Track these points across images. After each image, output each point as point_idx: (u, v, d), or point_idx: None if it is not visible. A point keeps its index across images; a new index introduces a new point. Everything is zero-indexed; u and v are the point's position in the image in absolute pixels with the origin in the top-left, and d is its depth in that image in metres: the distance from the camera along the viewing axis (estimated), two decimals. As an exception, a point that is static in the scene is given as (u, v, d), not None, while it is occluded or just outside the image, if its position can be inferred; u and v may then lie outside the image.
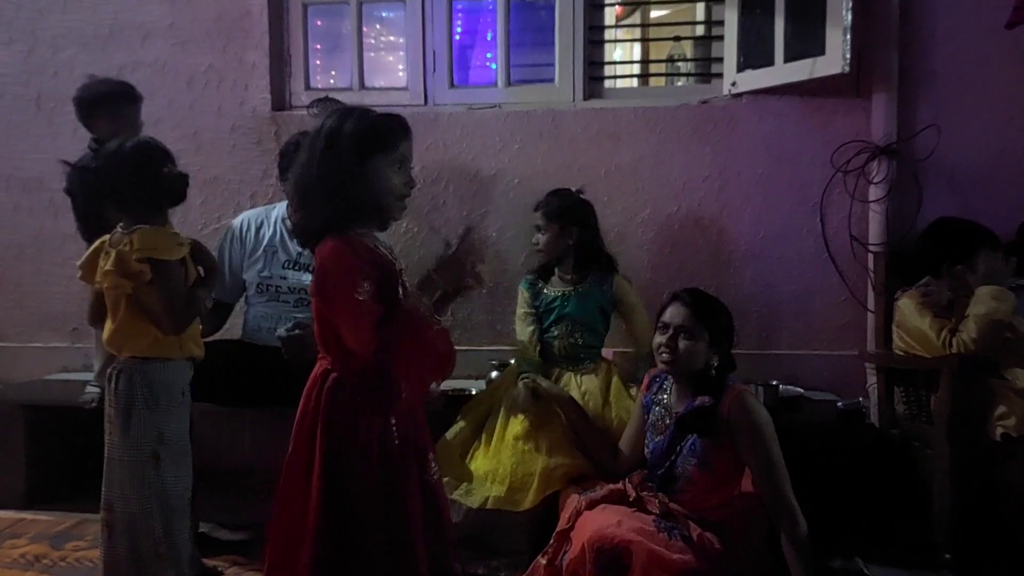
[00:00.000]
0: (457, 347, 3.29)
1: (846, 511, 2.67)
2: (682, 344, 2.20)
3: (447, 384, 3.12)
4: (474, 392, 3.00)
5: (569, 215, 2.83)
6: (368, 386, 1.70)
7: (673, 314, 2.24)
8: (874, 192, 3.10)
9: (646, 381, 2.42)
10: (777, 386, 2.94)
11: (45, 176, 3.51)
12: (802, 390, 3.07)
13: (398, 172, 1.74)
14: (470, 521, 2.51)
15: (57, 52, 3.51)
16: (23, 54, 3.52)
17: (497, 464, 2.54)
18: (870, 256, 3.11)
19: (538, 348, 2.84)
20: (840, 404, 2.89)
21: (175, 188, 2.19)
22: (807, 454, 2.54)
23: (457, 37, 3.49)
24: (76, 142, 3.48)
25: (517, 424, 2.58)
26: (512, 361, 2.91)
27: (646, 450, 2.35)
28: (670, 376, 2.32)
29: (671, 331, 2.22)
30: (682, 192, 3.26)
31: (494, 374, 3.03)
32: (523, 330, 2.88)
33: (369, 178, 1.70)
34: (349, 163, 1.67)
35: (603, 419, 2.66)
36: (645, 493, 2.25)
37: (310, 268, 2.79)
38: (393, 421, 1.72)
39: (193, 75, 3.45)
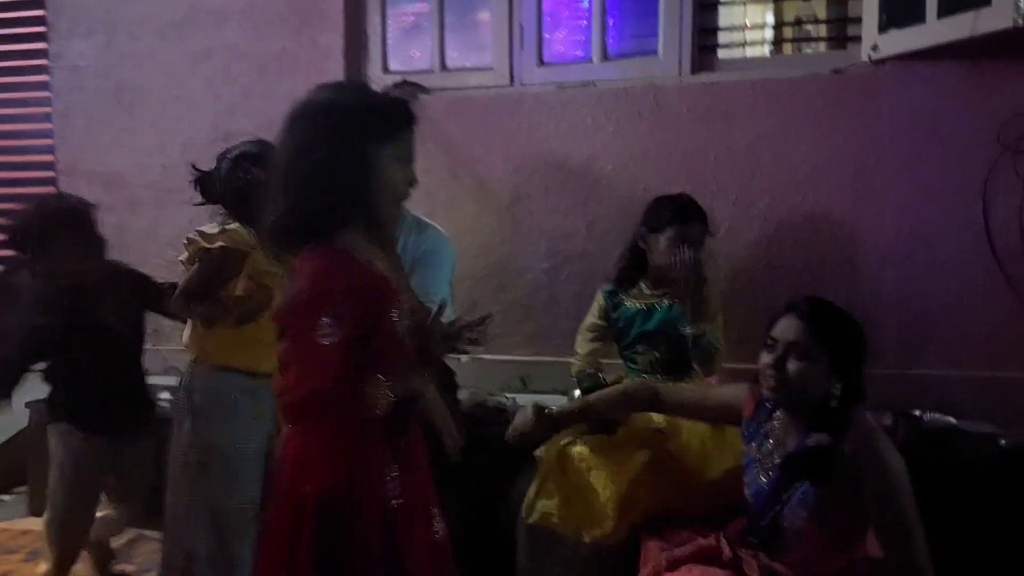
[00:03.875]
0: (541, 357, 3.03)
1: (1012, 578, 2.15)
2: (792, 366, 1.75)
3: (525, 400, 2.78)
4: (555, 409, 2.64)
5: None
6: (365, 434, 1.37)
7: (785, 328, 1.79)
8: (1054, 176, 2.51)
9: (751, 404, 1.98)
10: (920, 416, 2.43)
11: (125, 171, 3.45)
12: (954, 420, 2.53)
13: (400, 167, 1.43)
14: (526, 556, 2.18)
15: (135, 41, 3.40)
16: (102, 45, 3.44)
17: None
18: (1047, 256, 2.53)
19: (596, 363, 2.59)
20: (1004, 441, 2.36)
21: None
22: (960, 503, 2.16)
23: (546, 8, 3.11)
24: (154, 135, 3.41)
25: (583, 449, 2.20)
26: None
27: (747, 491, 1.92)
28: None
29: (780, 349, 1.77)
30: (808, 179, 2.77)
31: (577, 392, 2.65)
32: (583, 343, 2.61)
33: (366, 168, 1.38)
34: (344, 146, 1.36)
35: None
36: (743, 551, 1.84)
37: None
38: (389, 474, 1.40)
39: (267, 60, 3.26)
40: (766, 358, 1.80)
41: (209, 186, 2.22)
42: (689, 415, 2.16)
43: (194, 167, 2.26)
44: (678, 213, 2.41)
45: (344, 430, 1.34)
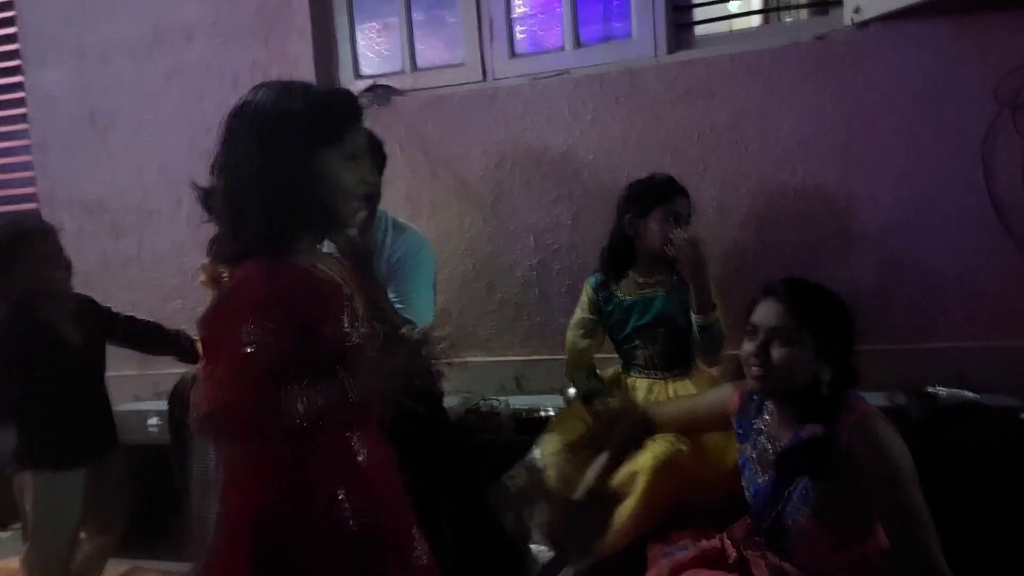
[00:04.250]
0: (535, 356, 2.91)
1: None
2: (777, 353, 1.63)
3: (521, 401, 2.69)
4: (551, 412, 2.53)
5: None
6: (302, 450, 1.26)
7: (765, 313, 1.67)
8: (1057, 129, 2.35)
9: (736, 400, 1.86)
10: (935, 394, 2.28)
11: (105, 197, 3.38)
12: (972, 395, 2.37)
13: (352, 167, 1.33)
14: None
15: (105, 65, 3.34)
16: (73, 71, 3.38)
17: None
18: (1057, 214, 2.37)
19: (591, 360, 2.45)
20: (1025, 414, 2.19)
21: None
22: (981, 482, 2.01)
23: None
24: (130, 159, 3.35)
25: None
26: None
27: (746, 493, 1.80)
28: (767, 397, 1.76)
29: (762, 336, 1.66)
30: (797, 153, 2.62)
31: (572, 390, 2.54)
32: (575, 340, 2.44)
33: (318, 178, 1.28)
34: (292, 159, 1.27)
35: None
36: (750, 552, 1.72)
37: None
38: (341, 495, 1.27)
39: (238, 73, 3.18)
40: (748, 346, 1.68)
41: None
42: (683, 429, 2.03)
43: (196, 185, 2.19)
44: (663, 191, 2.30)
45: (270, 445, 1.24)
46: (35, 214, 2.39)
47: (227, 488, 1.28)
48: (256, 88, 1.35)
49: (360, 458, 1.32)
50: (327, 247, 2.40)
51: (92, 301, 2.44)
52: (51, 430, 2.23)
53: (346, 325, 1.33)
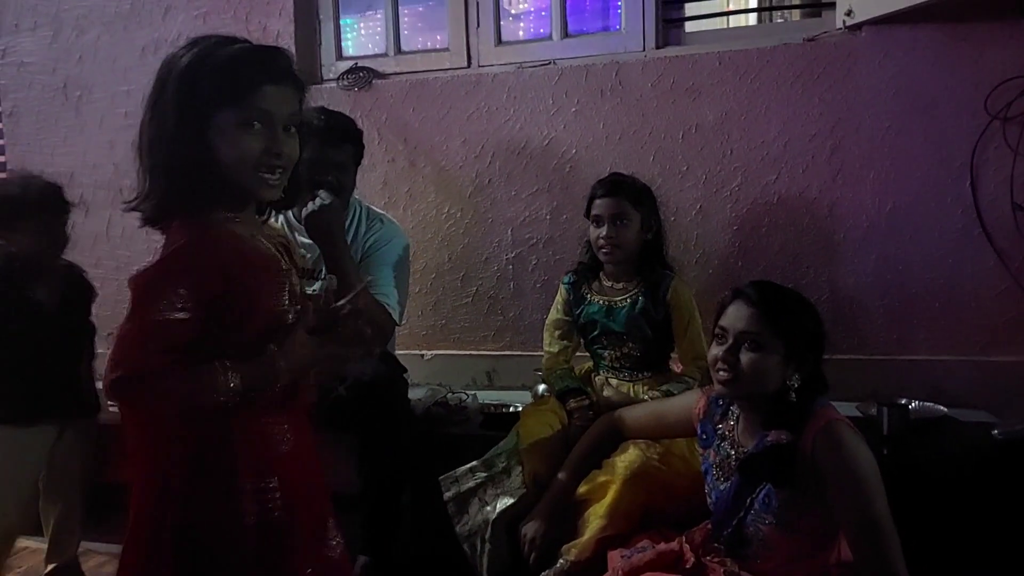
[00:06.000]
0: (508, 352, 2.86)
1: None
2: (745, 357, 1.59)
3: (488, 397, 2.64)
4: (520, 408, 2.47)
5: (652, 203, 2.28)
6: (236, 433, 1.20)
7: (734, 317, 1.63)
8: (1046, 144, 2.30)
9: (702, 404, 1.81)
10: (907, 405, 2.24)
11: (76, 170, 3.27)
12: (945, 409, 2.34)
13: (255, 134, 1.22)
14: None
15: (81, 34, 3.24)
16: (48, 39, 3.28)
17: None
18: (1041, 229, 2.32)
19: (568, 362, 2.38)
20: (997, 431, 2.14)
21: None
22: (950, 497, 1.98)
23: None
24: (103, 132, 3.26)
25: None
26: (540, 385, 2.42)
27: (708, 499, 1.75)
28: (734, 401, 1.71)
29: (731, 340, 1.61)
30: (782, 156, 2.57)
31: (541, 387, 2.48)
32: (551, 341, 2.39)
33: (208, 142, 1.20)
34: (177, 120, 1.19)
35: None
36: (709, 558, 1.69)
37: (317, 275, 2.34)
38: (273, 482, 1.22)
39: (216, 50, 3.09)
40: (715, 350, 1.63)
41: None
42: (651, 436, 1.99)
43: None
44: (595, 189, 2.26)
45: (181, 421, 1.19)
46: (54, 187, 2.36)
47: (133, 463, 1.22)
48: (190, 41, 1.26)
49: (284, 445, 1.26)
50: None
51: (81, 274, 2.47)
52: (12, 384, 2.23)
53: (283, 303, 1.27)
